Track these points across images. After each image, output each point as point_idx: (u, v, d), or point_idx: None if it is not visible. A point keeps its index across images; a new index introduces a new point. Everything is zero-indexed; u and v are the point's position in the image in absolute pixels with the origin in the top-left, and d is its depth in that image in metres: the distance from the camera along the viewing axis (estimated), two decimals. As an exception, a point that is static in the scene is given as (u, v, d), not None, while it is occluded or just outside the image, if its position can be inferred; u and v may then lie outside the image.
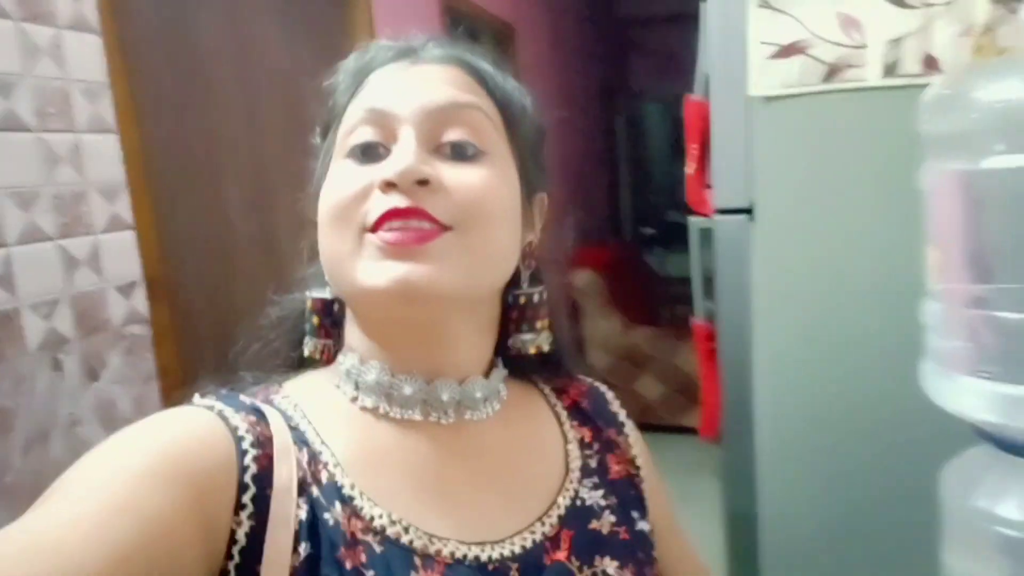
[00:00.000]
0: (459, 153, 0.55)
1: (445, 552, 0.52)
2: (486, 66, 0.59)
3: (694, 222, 1.55)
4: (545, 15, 4.31)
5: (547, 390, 0.70)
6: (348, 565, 0.48)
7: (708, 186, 1.46)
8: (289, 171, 1.96)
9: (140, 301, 1.40)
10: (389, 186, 0.52)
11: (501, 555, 0.54)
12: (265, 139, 1.93)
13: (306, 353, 0.61)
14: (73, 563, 0.37)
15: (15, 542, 0.38)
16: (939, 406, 0.91)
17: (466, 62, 0.58)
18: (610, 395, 0.74)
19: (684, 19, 1.56)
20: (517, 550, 0.54)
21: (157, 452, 0.45)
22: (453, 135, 0.55)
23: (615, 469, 0.67)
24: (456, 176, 0.54)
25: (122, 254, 1.38)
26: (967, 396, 0.85)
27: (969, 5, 1.15)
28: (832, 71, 1.22)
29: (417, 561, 0.50)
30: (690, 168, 1.50)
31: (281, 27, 1.99)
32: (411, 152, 0.52)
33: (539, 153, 0.63)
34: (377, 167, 0.53)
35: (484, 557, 0.53)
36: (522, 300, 0.62)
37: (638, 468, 0.68)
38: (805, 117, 1.25)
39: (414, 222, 0.52)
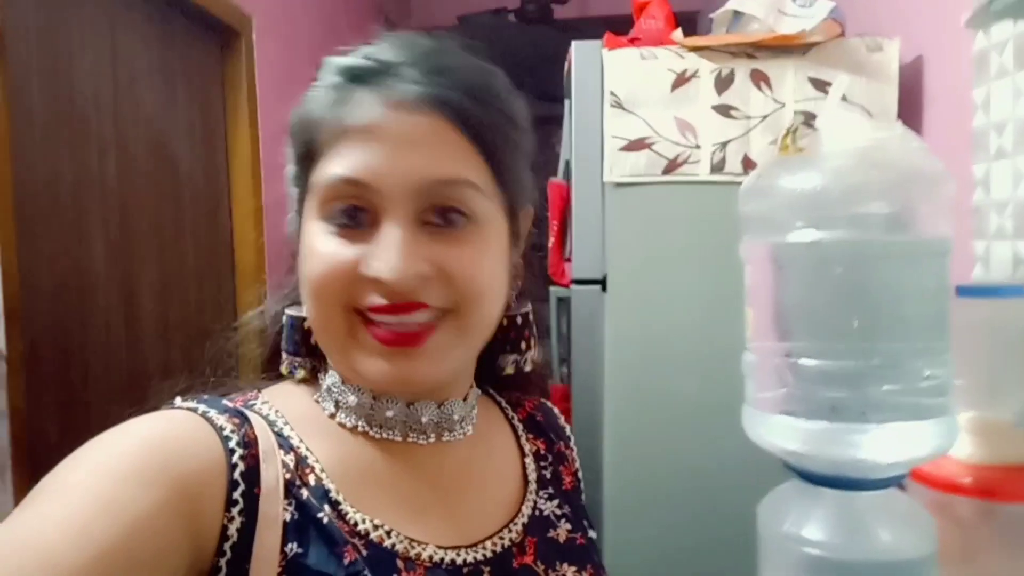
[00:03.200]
0: (447, 221, 0.52)
1: (425, 556, 0.53)
2: (471, 107, 0.52)
3: (553, 291, 1.69)
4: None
5: (504, 403, 0.71)
6: (347, 560, 0.49)
7: (567, 259, 1.60)
8: (157, 223, 1.95)
9: (-1, 333, 1.34)
10: (380, 283, 0.49)
11: (475, 559, 0.55)
12: (135, 188, 1.91)
13: (294, 374, 0.59)
14: (56, 564, 0.37)
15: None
16: (758, 450, 1.06)
17: (449, 106, 0.51)
18: (556, 410, 0.76)
19: (551, 121, 1.72)
20: (488, 554, 0.56)
21: (140, 453, 0.45)
22: (443, 203, 0.52)
23: (567, 480, 0.69)
24: (450, 259, 0.51)
25: (-18, 284, 1.31)
26: (775, 431, 1.00)
27: (778, 120, 1.40)
28: (671, 165, 1.42)
29: (400, 564, 0.51)
30: (550, 242, 1.66)
31: (160, 78, 2.00)
32: (399, 251, 0.49)
33: (527, 169, 0.60)
34: (361, 247, 0.50)
35: (459, 560, 0.54)
36: (505, 322, 0.62)
37: (580, 481, 0.71)
38: (649, 202, 1.43)
39: (407, 317, 0.50)
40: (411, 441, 0.58)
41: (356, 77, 0.52)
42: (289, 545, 0.48)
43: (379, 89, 0.51)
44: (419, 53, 0.53)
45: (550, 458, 0.69)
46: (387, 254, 0.49)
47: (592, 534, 0.67)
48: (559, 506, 0.65)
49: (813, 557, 1.01)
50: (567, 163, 1.55)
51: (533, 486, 0.65)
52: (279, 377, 0.61)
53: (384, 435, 0.57)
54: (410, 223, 0.51)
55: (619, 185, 1.44)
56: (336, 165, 0.51)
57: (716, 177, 1.41)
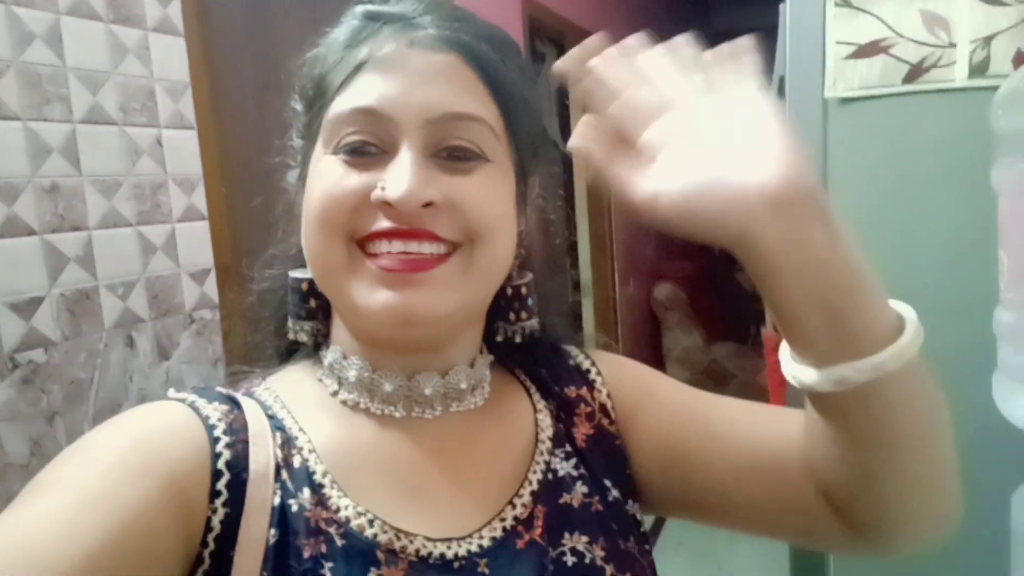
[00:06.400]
0: (458, 157, 0.52)
1: (411, 549, 0.50)
2: (488, 52, 0.53)
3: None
4: (636, 28, 4.27)
5: (521, 375, 0.67)
6: (307, 554, 0.47)
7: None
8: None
9: (211, 287, 1.47)
10: (388, 206, 0.49)
11: (468, 551, 0.52)
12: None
13: (303, 340, 0.59)
14: (42, 560, 0.37)
15: None
16: (1012, 426, 0.84)
17: (467, 48, 0.52)
18: (573, 351, 0.69)
19: (771, 30, 1.50)
20: (486, 543, 0.53)
21: (126, 445, 0.45)
22: (453, 142, 0.52)
23: (581, 432, 0.63)
24: (460, 189, 0.51)
25: (196, 242, 1.45)
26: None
27: (1071, 0, 1.07)
28: (915, 71, 1.16)
29: (380, 556, 0.49)
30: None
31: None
32: (412, 173, 0.49)
33: (536, 140, 0.59)
34: (371, 175, 0.50)
35: (450, 554, 0.51)
36: (509, 291, 0.61)
37: (613, 422, 0.63)
38: (885, 119, 1.19)
39: (415, 244, 0.50)
40: (416, 416, 0.56)
41: (376, 18, 0.54)
42: (272, 531, 0.48)
43: (398, 30, 0.53)
44: (437, 4, 0.55)
45: (555, 410, 0.64)
46: (397, 175, 0.49)
47: (615, 494, 0.60)
48: (576, 467, 0.60)
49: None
50: (781, 79, 1.34)
51: (546, 444, 0.60)
52: (291, 355, 0.61)
53: (386, 411, 0.55)
54: (422, 154, 0.51)
55: (845, 101, 1.21)
56: (351, 99, 0.51)
57: (977, 82, 1.13)
